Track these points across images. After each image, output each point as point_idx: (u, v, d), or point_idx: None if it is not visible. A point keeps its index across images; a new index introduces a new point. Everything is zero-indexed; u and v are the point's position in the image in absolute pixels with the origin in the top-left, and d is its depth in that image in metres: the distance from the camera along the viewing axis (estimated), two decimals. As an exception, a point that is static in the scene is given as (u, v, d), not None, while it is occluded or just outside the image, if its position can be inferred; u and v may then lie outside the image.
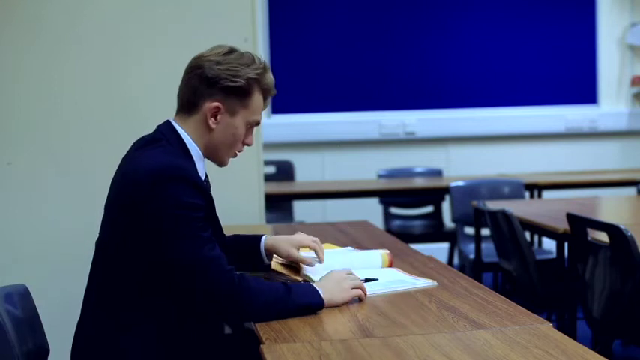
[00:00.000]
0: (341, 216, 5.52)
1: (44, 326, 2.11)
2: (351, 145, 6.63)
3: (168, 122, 2.07)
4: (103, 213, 2.03)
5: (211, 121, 2.02)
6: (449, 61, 6.73)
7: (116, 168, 2.04)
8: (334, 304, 1.96)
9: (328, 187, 5.66)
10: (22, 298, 2.04)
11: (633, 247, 2.73)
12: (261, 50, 6.00)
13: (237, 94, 2.02)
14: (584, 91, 6.87)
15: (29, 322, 2.03)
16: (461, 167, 6.62)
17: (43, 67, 3.35)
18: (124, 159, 2.05)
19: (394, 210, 6.05)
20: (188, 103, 2.04)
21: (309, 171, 6.44)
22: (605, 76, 6.87)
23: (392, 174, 6.18)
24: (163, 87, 3.41)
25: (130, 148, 2.07)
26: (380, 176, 6.15)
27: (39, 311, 2.10)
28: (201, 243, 1.87)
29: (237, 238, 2.26)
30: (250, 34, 3.43)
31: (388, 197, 5.95)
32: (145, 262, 1.92)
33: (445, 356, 1.61)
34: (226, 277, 1.87)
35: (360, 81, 6.65)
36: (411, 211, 6.07)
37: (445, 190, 5.24)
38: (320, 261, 2.22)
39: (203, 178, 2.05)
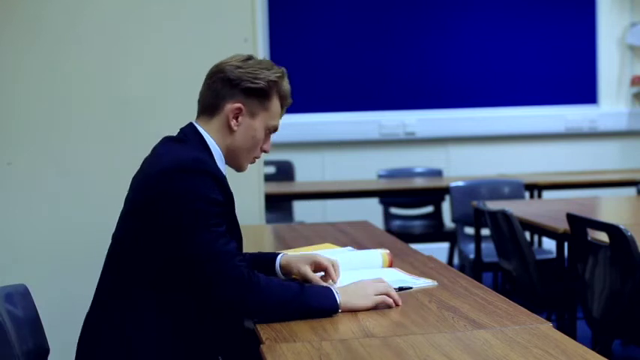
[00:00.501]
0: (341, 216, 5.53)
1: (44, 326, 2.11)
2: (351, 145, 6.63)
3: (191, 124, 2.11)
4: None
5: (233, 122, 2.07)
6: (449, 61, 6.73)
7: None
8: (352, 309, 1.94)
9: (328, 187, 5.66)
10: (22, 298, 2.05)
11: (633, 247, 2.73)
12: (261, 50, 5.99)
13: (257, 95, 2.07)
14: (584, 91, 6.87)
15: (29, 322, 2.03)
16: (461, 167, 6.62)
17: (43, 67, 3.35)
18: (147, 158, 2.09)
19: (394, 210, 6.05)
20: (210, 105, 2.09)
21: (309, 171, 6.44)
22: (605, 76, 6.87)
23: (392, 174, 6.18)
24: (164, 87, 3.42)
25: (153, 148, 2.11)
26: (380, 176, 6.14)
27: (39, 311, 2.10)
28: (215, 237, 1.89)
29: (256, 256, 2.27)
30: (250, 34, 3.43)
31: (388, 197, 5.95)
32: (160, 255, 1.93)
33: (445, 356, 1.61)
34: (236, 272, 1.87)
35: (360, 81, 6.65)
36: (411, 211, 6.07)
37: (445, 190, 5.24)
38: (333, 281, 2.16)
39: None
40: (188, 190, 1.90)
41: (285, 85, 2.12)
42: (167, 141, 2.09)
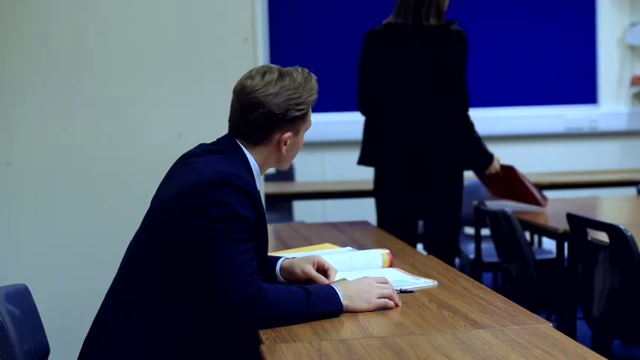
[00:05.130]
0: (341, 216, 5.52)
1: (44, 326, 2.11)
2: (351, 145, 6.61)
3: (231, 137, 2.10)
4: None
5: (283, 148, 2.10)
6: (449, 61, 6.72)
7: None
8: (353, 311, 1.95)
9: (328, 187, 5.66)
10: (22, 298, 2.05)
11: (633, 247, 2.73)
12: (261, 50, 6.00)
13: (301, 118, 2.09)
14: (584, 91, 6.86)
15: (29, 322, 2.03)
16: (461, 167, 6.60)
17: (44, 66, 3.35)
18: (180, 164, 2.10)
19: (394, 210, 6.04)
20: (254, 137, 2.08)
21: (309, 171, 6.44)
22: (605, 76, 6.86)
23: (392, 174, 6.16)
24: (164, 87, 3.42)
25: (186, 154, 2.11)
26: (380, 176, 6.13)
27: (39, 311, 2.10)
28: (238, 254, 1.89)
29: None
30: (250, 34, 3.43)
31: (388, 197, 5.94)
32: (182, 263, 1.93)
33: (445, 356, 1.61)
34: (249, 291, 1.86)
35: (360, 81, 6.64)
36: (411, 211, 6.06)
37: (445, 190, 5.21)
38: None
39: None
40: (221, 204, 1.90)
41: (317, 87, 2.12)
42: (206, 152, 2.08)
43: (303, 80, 2.08)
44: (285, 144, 2.09)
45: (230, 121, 2.12)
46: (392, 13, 3.76)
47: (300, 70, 2.11)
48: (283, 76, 2.07)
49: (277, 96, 2.04)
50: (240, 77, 2.11)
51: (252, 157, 2.08)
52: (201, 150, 2.10)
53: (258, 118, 2.05)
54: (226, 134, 2.13)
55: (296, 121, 2.08)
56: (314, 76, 2.12)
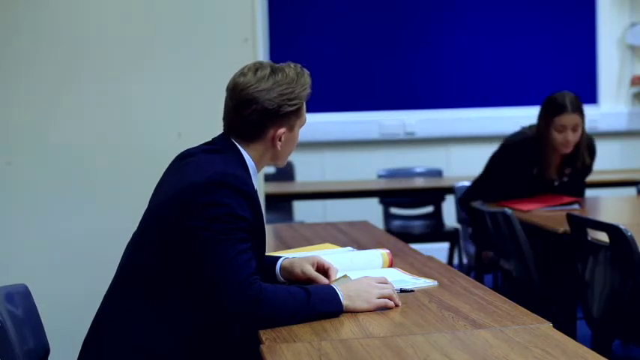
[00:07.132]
0: (341, 216, 5.52)
1: (44, 326, 2.11)
2: (351, 145, 6.62)
3: (226, 136, 2.10)
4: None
5: (278, 144, 2.09)
6: (449, 61, 6.73)
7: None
8: (353, 311, 1.95)
9: (328, 187, 5.66)
10: (22, 298, 2.05)
11: (633, 247, 2.73)
12: (261, 50, 5.99)
13: (295, 112, 2.09)
14: (584, 91, 6.85)
15: (29, 322, 2.03)
16: (461, 167, 6.60)
17: (43, 66, 3.35)
18: (177, 164, 2.10)
19: (394, 210, 6.05)
20: (249, 134, 2.08)
21: (309, 171, 6.44)
22: (605, 76, 6.86)
23: (392, 174, 6.18)
24: (164, 87, 3.42)
25: (183, 154, 2.12)
26: (380, 176, 6.14)
27: (39, 311, 2.10)
28: (237, 253, 1.89)
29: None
30: (250, 34, 3.43)
31: (388, 197, 5.95)
32: (181, 263, 1.93)
33: (445, 356, 1.61)
34: (249, 292, 1.87)
35: (360, 81, 6.64)
36: (411, 211, 6.07)
37: (445, 190, 5.23)
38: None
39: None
40: (219, 205, 1.91)
41: (309, 82, 2.11)
42: (202, 151, 2.08)
43: (296, 75, 2.08)
44: (279, 140, 2.08)
45: (224, 119, 2.13)
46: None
47: (292, 65, 2.11)
48: (275, 71, 2.07)
49: (270, 91, 2.04)
50: (233, 75, 2.11)
51: (247, 155, 2.08)
52: (198, 149, 2.10)
53: (251, 114, 2.05)
54: (221, 133, 2.13)
55: (289, 116, 2.07)
56: (306, 71, 2.12)
